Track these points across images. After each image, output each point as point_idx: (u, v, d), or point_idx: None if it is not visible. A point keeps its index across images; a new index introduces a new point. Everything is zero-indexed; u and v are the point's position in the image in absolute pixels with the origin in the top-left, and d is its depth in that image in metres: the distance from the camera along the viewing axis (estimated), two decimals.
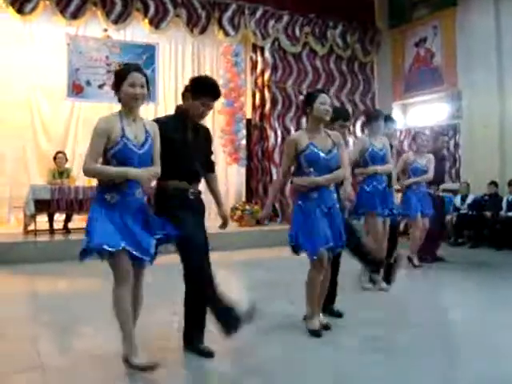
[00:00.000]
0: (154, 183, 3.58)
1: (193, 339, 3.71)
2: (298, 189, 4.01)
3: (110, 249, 3.06)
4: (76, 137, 10.97)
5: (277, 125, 10.93)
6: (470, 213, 9.32)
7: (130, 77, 3.23)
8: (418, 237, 7.07)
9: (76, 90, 10.78)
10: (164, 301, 5.24)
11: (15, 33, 10.57)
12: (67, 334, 4.24)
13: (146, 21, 9.72)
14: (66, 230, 8.88)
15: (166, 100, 12.14)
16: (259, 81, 11.14)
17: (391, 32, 11.83)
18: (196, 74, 12.36)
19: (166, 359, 3.52)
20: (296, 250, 4.00)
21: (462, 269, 7.28)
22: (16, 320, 4.63)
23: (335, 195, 4.06)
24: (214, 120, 12.44)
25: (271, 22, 10.74)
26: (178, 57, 12.33)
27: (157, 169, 3.33)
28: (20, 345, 3.92)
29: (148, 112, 11.92)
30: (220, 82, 11.48)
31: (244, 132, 11.31)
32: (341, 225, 4.02)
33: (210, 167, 3.92)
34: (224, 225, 3.97)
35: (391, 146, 5.95)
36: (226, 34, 10.36)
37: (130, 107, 3.28)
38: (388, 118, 6.10)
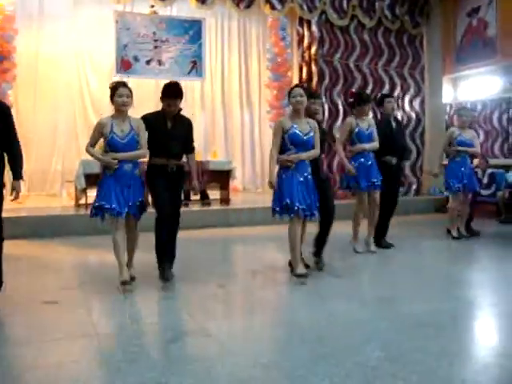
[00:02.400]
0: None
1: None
2: (283, 163, 4.87)
3: (107, 206, 4.52)
4: None
5: (324, 99, 10.80)
6: None
7: (118, 90, 4.62)
8: (455, 209, 7.31)
9: (124, 66, 10.93)
10: (211, 274, 5.33)
11: (65, 11, 10.80)
12: (118, 302, 4.36)
13: None
14: None
15: (213, 75, 12.19)
16: (306, 55, 10.98)
17: (442, 2, 11.45)
18: (242, 49, 12.39)
19: (209, 328, 3.59)
20: (279, 213, 4.88)
21: (507, 245, 7.13)
22: (69, 289, 4.79)
23: (309, 169, 4.94)
24: (261, 95, 12.44)
25: None
26: (225, 32, 12.34)
27: (142, 151, 4.75)
28: (74, 312, 4.06)
29: (195, 87, 12.04)
30: (267, 56, 11.42)
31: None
32: (314, 193, 4.91)
33: (187, 149, 5.16)
34: (194, 193, 5.61)
35: (398, 122, 6.92)
36: (273, 7, 10.25)
37: (119, 111, 4.66)
38: (384, 96, 6.77)
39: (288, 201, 4.74)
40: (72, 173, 9.06)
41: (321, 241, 5.46)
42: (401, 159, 6.76)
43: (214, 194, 9.82)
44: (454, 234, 7.29)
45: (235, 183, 11.03)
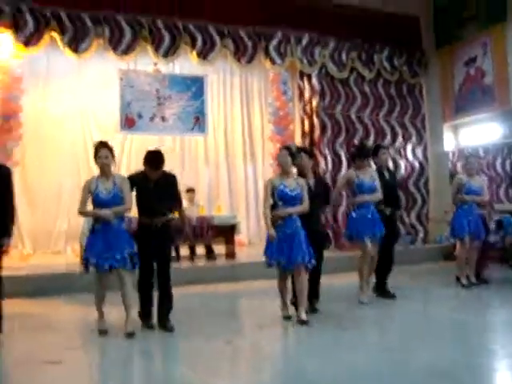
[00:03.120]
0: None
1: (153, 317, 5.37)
2: (275, 219, 5.34)
3: (92, 261, 4.99)
4: (128, 169, 11.22)
5: (327, 151, 10.87)
6: None
7: (99, 152, 5.13)
8: (463, 257, 7.23)
9: (128, 123, 11.09)
10: (221, 329, 5.25)
11: (71, 70, 11.01)
12: (123, 361, 4.27)
13: (194, 53, 9.90)
14: None
15: (216, 130, 12.31)
16: (307, 108, 11.12)
17: (439, 52, 11.65)
18: (244, 103, 12.55)
19: None
20: (268, 264, 5.44)
21: None
22: (73, 348, 4.71)
23: (298, 223, 5.34)
24: (264, 148, 12.53)
25: (317, 49, 10.77)
26: (227, 87, 12.52)
27: (126, 206, 5.15)
28: (78, 371, 3.98)
29: (198, 143, 12.17)
30: (269, 110, 11.54)
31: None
32: (301, 244, 5.23)
33: (175, 206, 5.67)
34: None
35: (391, 172, 7.09)
36: (273, 62, 10.43)
37: (102, 170, 5.18)
38: (379, 147, 6.98)
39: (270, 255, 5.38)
40: (77, 230, 9.03)
41: (310, 290, 5.72)
42: (395, 209, 6.86)
43: (220, 248, 9.77)
44: (464, 281, 7.19)
45: (240, 237, 10.97)
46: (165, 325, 5.19)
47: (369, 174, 6.34)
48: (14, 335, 5.13)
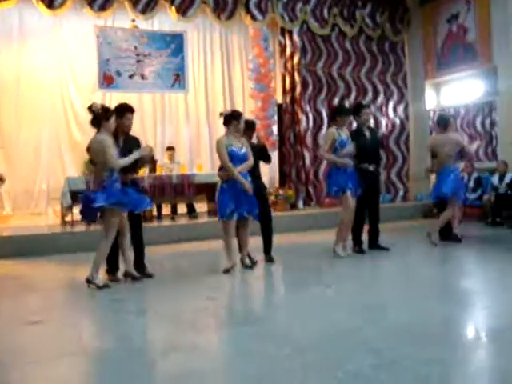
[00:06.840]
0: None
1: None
2: (223, 177, 5.97)
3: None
4: None
5: (308, 108, 10.83)
6: (509, 192, 9.07)
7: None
8: (448, 216, 7.14)
9: (107, 80, 10.89)
10: (199, 286, 5.28)
11: (46, 28, 10.73)
12: (107, 319, 4.29)
13: (173, 9, 9.68)
14: None
15: (196, 88, 12.15)
16: (289, 65, 11.04)
17: (422, 9, 11.56)
18: (225, 61, 12.35)
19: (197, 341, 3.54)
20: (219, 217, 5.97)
21: (494, 247, 7.17)
22: (57, 307, 4.73)
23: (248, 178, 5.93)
24: (245, 106, 12.39)
25: (299, 5, 10.61)
26: (207, 44, 12.31)
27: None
28: (62, 330, 3.99)
29: (178, 101, 12.02)
30: (250, 67, 11.36)
31: (276, 117, 11.21)
32: (251, 199, 5.90)
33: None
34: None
35: (373, 131, 7.16)
36: (254, 18, 10.27)
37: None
38: (361, 106, 6.92)
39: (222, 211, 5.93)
40: (57, 191, 8.97)
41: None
42: (377, 166, 6.95)
43: (202, 206, 9.78)
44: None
45: None
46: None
47: (345, 132, 6.51)
48: None
